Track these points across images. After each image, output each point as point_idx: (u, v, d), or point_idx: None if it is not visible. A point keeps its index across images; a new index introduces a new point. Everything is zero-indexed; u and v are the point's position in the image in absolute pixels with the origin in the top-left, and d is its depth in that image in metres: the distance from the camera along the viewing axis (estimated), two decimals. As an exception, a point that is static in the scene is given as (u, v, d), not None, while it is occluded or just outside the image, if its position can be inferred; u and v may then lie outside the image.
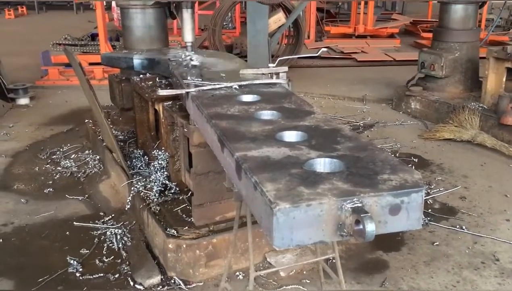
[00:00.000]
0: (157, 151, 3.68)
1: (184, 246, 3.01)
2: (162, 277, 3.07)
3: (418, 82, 6.48)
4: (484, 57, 5.65)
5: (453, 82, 6.17)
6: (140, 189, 3.60)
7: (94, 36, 9.14)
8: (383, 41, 11.68)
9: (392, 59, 9.75)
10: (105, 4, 8.50)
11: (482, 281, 3.11)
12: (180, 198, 3.49)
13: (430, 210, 3.93)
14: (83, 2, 16.58)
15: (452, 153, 5.12)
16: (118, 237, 3.50)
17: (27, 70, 8.51)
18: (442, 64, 6.02)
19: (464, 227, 3.70)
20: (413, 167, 4.61)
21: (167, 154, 3.58)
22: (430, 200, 4.10)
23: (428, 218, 3.80)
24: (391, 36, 12.10)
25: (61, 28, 12.58)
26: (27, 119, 6.22)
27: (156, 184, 3.52)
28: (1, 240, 3.53)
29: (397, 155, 5.03)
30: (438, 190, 4.28)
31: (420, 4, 17.89)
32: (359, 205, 1.54)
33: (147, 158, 4.00)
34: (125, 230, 3.59)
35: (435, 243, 3.51)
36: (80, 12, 18.27)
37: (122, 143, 4.44)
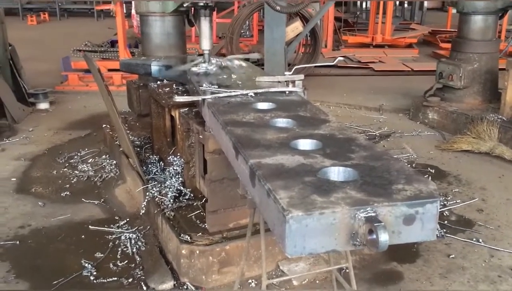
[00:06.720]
0: (173, 156, 3.70)
1: (198, 252, 3.02)
2: (175, 282, 3.08)
3: (436, 92, 6.41)
4: (503, 69, 5.59)
5: (472, 93, 6.10)
6: (155, 194, 3.62)
7: (113, 43, 9.27)
8: (401, 51, 11.61)
9: (410, 69, 9.69)
10: (125, 11, 8.62)
11: (498, 295, 3.06)
12: (195, 204, 3.50)
13: (446, 222, 3.88)
14: (103, 10, 16.83)
15: (470, 165, 5.05)
16: (133, 241, 3.53)
17: (47, 75, 8.66)
18: (460, 75, 5.96)
19: (481, 240, 3.64)
20: (430, 178, 4.56)
21: (182, 160, 3.60)
22: (446, 212, 4.04)
23: (444, 230, 3.75)
24: (409, 46, 12.02)
25: (81, 35, 12.79)
26: (46, 123, 6.32)
27: (171, 189, 3.54)
28: (18, 242, 3.58)
29: (414, 165, 4.98)
30: (455, 201, 4.22)
31: (439, 14, 17.77)
32: (373, 214, 1.53)
33: (162, 164, 4.03)
34: (139, 234, 3.62)
35: (451, 256, 3.46)
36: (101, 19, 18.57)
37: (138, 149, 4.48)
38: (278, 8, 3.95)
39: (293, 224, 1.49)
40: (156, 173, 3.96)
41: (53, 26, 17.24)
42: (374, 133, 5.96)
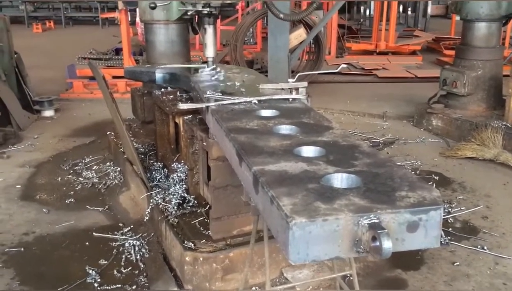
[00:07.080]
0: (177, 163, 3.71)
1: (201, 259, 3.02)
2: (179, 289, 3.08)
3: (440, 99, 6.41)
4: (507, 75, 5.59)
5: (476, 100, 6.10)
6: (159, 201, 3.63)
7: (118, 51, 9.33)
8: (405, 58, 11.62)
9: (413, 76, 9.69)
10: (129, 19, 8.68)
11: (504, 303, 3.04)
12: (198, 211, 3.50)
13: (451, 229, 3.87)
14: (108, 18, 16.94)
15: (474, 172, 5.03)
16: (136, 248, 3.53)
17: (52, 83, 8.71)
18: (464, 82, 5.96)
19: (485, 247, 3.62)
20: (434, 185, 4.55)
21: (186, 166, 3.61)
22: (451, 219, 4.03)
23: (449, 238, 3.74)
24: (413, 53, 12.03)
25: (86, 43, 12.87)
26: (51, 131, 6.35)
27: (174, 196, 3.54)
28: (22, 249, 3.59)
29: (418, 172, 4.97)
30: (459, 208, 4.21)
31: (443, 22, 17.78)
32: (376, 221, 1.53)
33: (166, 171, 4.04)
34: (143, 241, 3.62)
35: (456, 263, 3.44)
36: (106, 27, 18.68)
37: (142, 156, 4.49)
38: (281, 15, 3.98)
39: (296, 230, 1.49)
40: (160, 180, 3.97)
41: (58, 34, 17.36)
42: (378, 140, 5.95)
